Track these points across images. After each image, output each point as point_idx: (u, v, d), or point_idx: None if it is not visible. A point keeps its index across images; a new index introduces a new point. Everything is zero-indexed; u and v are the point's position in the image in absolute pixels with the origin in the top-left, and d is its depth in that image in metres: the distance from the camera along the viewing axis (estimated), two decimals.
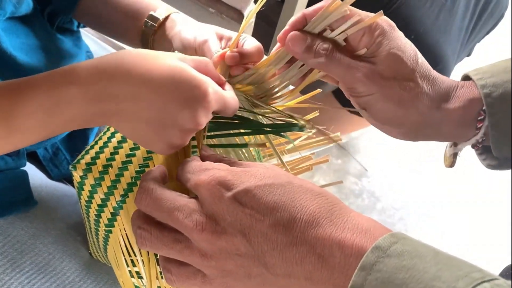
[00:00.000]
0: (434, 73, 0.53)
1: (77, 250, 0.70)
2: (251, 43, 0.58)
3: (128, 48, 1.05)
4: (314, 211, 0.39)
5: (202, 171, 0.43)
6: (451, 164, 0.57)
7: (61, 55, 0.75)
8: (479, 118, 0.50)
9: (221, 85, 0.51)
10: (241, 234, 0.39)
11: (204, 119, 0.48)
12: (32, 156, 0.78)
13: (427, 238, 1.64)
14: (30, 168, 0.74)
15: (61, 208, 0.73)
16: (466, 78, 0.54)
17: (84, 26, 0.80)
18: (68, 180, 0.81)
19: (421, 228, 1.68)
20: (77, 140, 0.81)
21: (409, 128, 0.53)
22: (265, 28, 1.23)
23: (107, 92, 0.45)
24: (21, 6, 0.65)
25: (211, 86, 0.47)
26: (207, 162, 0.46)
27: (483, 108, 0.50)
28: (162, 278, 0.54)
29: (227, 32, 0.61)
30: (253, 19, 0.98)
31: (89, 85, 0.44)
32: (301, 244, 0.38)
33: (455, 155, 0.56)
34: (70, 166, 0.54)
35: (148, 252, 0.53)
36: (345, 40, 0.52)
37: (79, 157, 0.55)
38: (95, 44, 0.96)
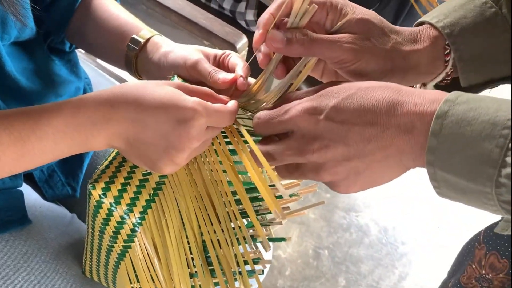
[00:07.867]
0: (395, 26, 0.59)
1: (69, 268, 0.71)
2: (235, 60, 0.62)
3: (122, 74, 1.08)
4: (387, 100, 0.47)
5: (287, 111, 0.51)
6: None
7: (60, 80, 0.77)
8: (445, 52, 0.57)
9: (222, 101, 0.56)
10: (342, 144, 0.48)
11: (198, 135, 0.52)
12: (28, 177, 0.80)
13: (414, 273, 1.65)
14: (25, 188, 0.75)
15: (54, 227, 0.75)
16: (421, 23, 0.60)
17: (76, 48, 0.80)
18: (61, 201, 0.83)
19: (409, 262, 1.69)
20: (72, 163, 0.82)
21: (398, 77, 0.57)
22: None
23: (109, 118, 0.51)
24: (25, 31, 0.67)
25: (199, 105, 0.52)
26: (284, 104, 0.52)
27: (447, 43, 0.56)
28: None
29: (210, 50, 0.65)
30: (245, 52, 1.02)
31: (95, 112, 0.51)
32: (388, 128, 0.46)
33: None
34: (89, 186, 0.57)
35: (168, 266, 0.58)
36: (314, 25, 0.57)
37: (95, 177, 0.58)
38: (92, 71, 0.99)
